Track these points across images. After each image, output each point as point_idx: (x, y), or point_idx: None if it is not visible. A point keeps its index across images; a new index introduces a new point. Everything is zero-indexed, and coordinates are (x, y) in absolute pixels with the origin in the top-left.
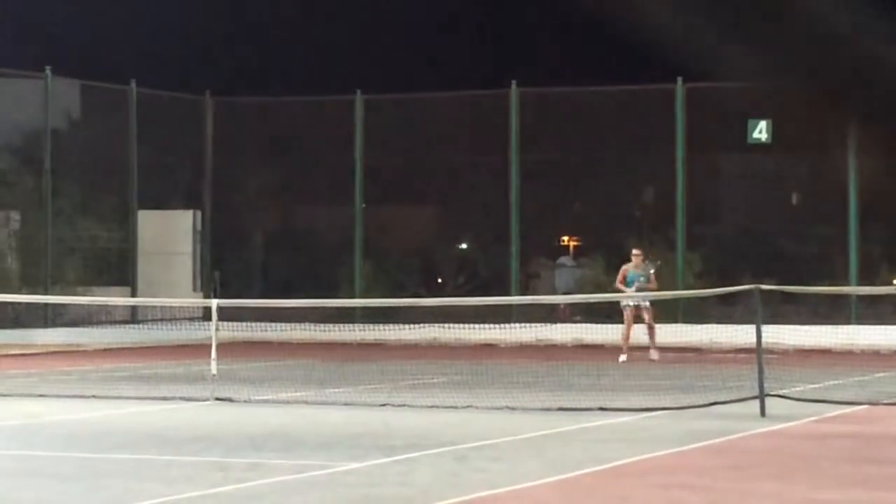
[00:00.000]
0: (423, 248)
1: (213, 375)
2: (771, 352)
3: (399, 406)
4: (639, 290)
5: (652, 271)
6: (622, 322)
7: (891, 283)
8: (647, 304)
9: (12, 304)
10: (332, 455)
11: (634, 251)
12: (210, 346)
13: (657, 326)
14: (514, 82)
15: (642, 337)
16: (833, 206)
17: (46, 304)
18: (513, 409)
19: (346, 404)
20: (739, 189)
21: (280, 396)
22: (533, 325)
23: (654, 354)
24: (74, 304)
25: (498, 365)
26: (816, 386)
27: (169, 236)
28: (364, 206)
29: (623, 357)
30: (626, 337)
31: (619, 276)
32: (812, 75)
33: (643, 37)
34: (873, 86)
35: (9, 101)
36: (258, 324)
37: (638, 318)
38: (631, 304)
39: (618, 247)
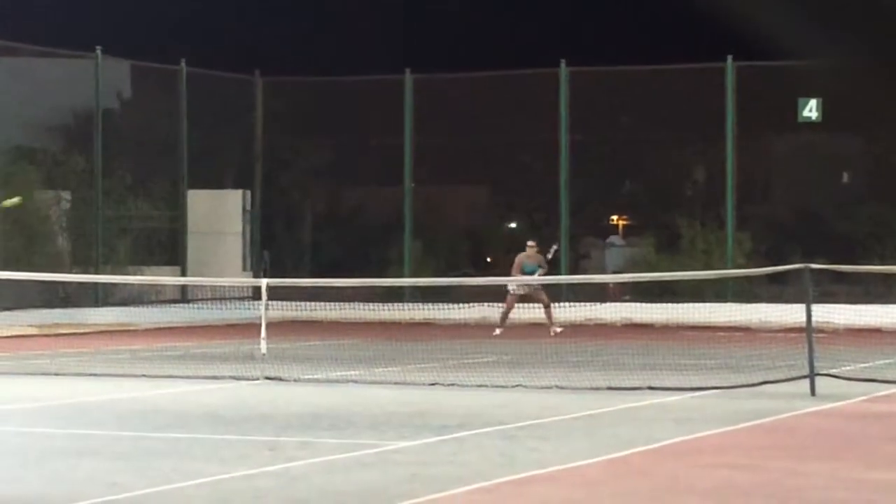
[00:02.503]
0: (473, 228)
1: (263, 355)
2: (821, 331)
3: (448, 385)
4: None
5: (549, 256)
6: (673, 302)
7: None
8: (540, 287)
9: (63, 283)
10: (381, 434)
11: (529, 243)
12: (260, 325)
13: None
14: (563, 61)
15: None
16: (884, 185)
17: (97, 284)
18: (562, 388)
19: (395, 383)
20: (789, 168)
21: (329, 376)
22: (582, 304)
23: (555, 329)
24: (125, 284)
25: (547, 344)
26: (867, 365)
27: (219, 216)
28: (413, 185)
29: (498, 331)
30: (505, 316)
31: (515, 266)
32: (876, 53)
33: (697, 12)
34: None
35: (59, 82)
36: (307, 303)
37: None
38: (519, 291)
39: (668, 226)
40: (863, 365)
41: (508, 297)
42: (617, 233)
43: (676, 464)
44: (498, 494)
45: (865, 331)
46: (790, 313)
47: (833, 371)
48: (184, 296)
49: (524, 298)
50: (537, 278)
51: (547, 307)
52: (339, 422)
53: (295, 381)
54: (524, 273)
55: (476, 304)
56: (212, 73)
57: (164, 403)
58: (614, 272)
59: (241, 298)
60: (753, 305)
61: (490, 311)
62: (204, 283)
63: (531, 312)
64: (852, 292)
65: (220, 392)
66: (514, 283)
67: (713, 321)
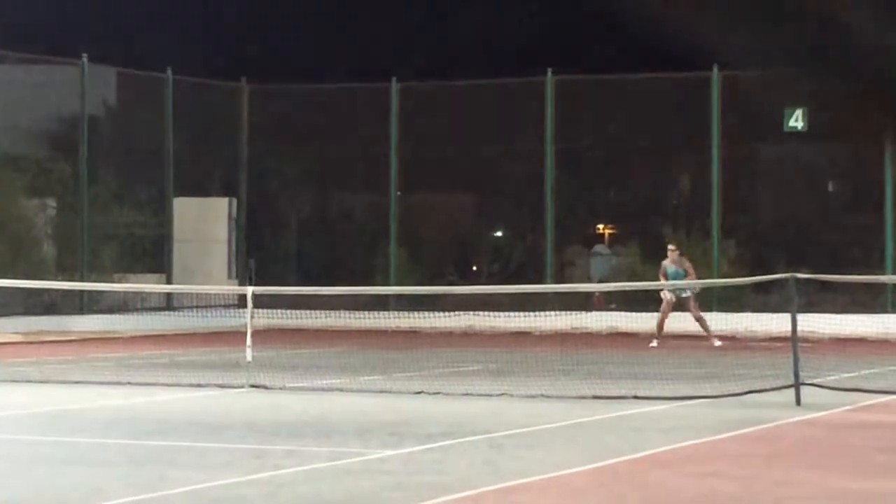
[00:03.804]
0: (458, 236)
1: (249, 362)
2: (806, 340)
3: (434, 394)
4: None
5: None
6: (658, 311)
7: None
8: (690, 295)
9: (48, 290)
10: (367, 442)
11: (670, 246)
12: (245, 333)
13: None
14: (549, 70)
15: (677, 325)
16: (869, 195)
17: (82, 291)
18: (548, 396)
19: (381, 392)
20: (775, 177)
21: (315, 384)
22: (568, 312)
23: (714, 342)
24: (110, 291)
25: (533, 353)
26: (852, 375)
27: (204, 223)
28: (399, 193)
29: (654, 342)
30: (661, 325)
31: (661, 272)
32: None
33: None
34: None
35: (45, 89)
36: (293, 311)
37: (679, 307)
38: (673, 298)
39: (653, 235)
40: (848, 374)
41: (663, 305)
42: (602, 241)
43: (663, 473)
44: (483, 503)
45: (850, 340)
46: (775, 322)
47: (818, 380)
48: (169, 303)
49: (678, 306)
50: (685, 283)
51: (698, 319)
52: (325, 430)
53: (280, 389)
54: (669, 279)
55: (461, 313)
56: (198, 81)
57: (149, 411)
58: (600, 281)
59: (227, 306)
60: (739, 314)
61: (476, 320)
62: (189, 291)
63: (518, 321)
64: (837, 302)
65: (206, 400)
66: (665, 287)
67: (699, 330)
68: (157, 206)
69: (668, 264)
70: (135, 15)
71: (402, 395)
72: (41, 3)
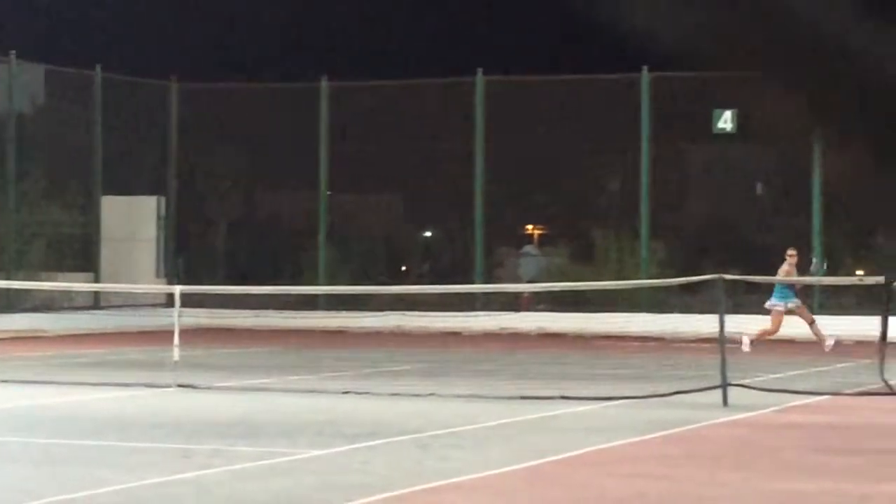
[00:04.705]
0: (388, 236)
1: (176, 362)
2: (734, 341)
3: (362, 393)
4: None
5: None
6: (587, 311)
7: (854, 274)
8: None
9: None
10: (294, 442)
11: (789, 251)
12: (173, 332)
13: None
14: (479, 70)
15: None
16: (797, 197)
17: (9, 290)
18: (476, 397)
19: (308, 391)
20: (704, 179)
21: (243, 383)
22: (497, 313)
23: (828, 344)
24: (37, 290)
25: (461, 353)
26: (779, 376)
27: (133, 222)
28: (329, 193)
29: (746, 348)
30: (766, 333)
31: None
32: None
33: (612, 24)
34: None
35: None
36: (221, 310)
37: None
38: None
39: (583, 236)
40: (775, 375)
41: (773, 314)
42: (532, 242)
43: (589, 473)
44: (409, 503)
45: (777, 342)
46: (703, 323)
47: (745, 381)
48: (97, 302)
49: (789, 313)
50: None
51: (811, 323)
52: (252, 430)
53: (208, 388)
54: (783, 286)
55: (390, 313)
56: (127, 79)
57: (76, 410)
58: (529, 281)
59: (155, 305)
60: (667, 315)
61: (405, 320)
62: (117, 290)
63: (447, 321)
64: (764, 303)
65: (133, 399)
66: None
67: (627, 331)
68: (85, 204)
69: (788, 269)
70: (64, 12)
71: (329, 394)
72: None
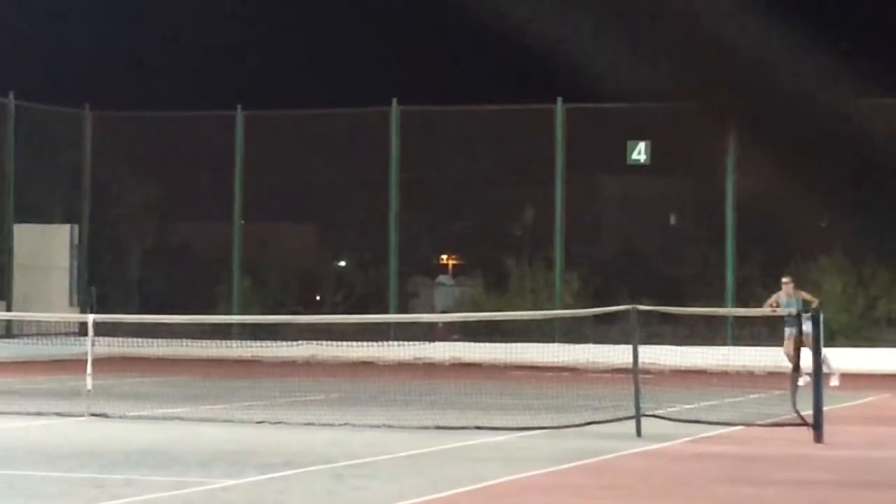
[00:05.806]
0: (302, 266)
1: (89, 391)
2: (647, 372)
3: (276, 423)
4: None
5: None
6: (501, 342)
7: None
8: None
9: None
10: (208, 472)
11: (784, 279)
12: (86, 361)
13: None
14: (395, 100)
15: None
16: (710, 228)
17: None
18: (390, 427)
19: (222, 421)
20: (618, 209)
21: (156, 413)
22: (411, 343)
23: (833, 380)
24: None
25: (376, 383)
26: (692, 406)
27: (46, 250)
28: (243, 222)
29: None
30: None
31: (772, 303)
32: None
33: (527, 55)
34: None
35: None
36: (135, 339)
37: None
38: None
39: (497, 266)
40: (688, 406)
41: (785, 343)
42: (446, 272)
43: (503, 503)
44: None
45: (691, 372)
46: (617, 354)
47: (659, 412)
48: (9, 331)
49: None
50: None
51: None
52: (166, 459)
53: (121, 417)
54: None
55: (304, 342)
56: (40, 107)
57: None
58: (443, 311)
59: (68, 334)
60: (581, 346)
61: (319, 350)
62: (30, 318)
63: (361, 351)
64: (678, 333)
65: (45, 429)
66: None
67: (541, 361)
68: None
69: (782, 296)
70: None
71: (244, 424)
72: None
